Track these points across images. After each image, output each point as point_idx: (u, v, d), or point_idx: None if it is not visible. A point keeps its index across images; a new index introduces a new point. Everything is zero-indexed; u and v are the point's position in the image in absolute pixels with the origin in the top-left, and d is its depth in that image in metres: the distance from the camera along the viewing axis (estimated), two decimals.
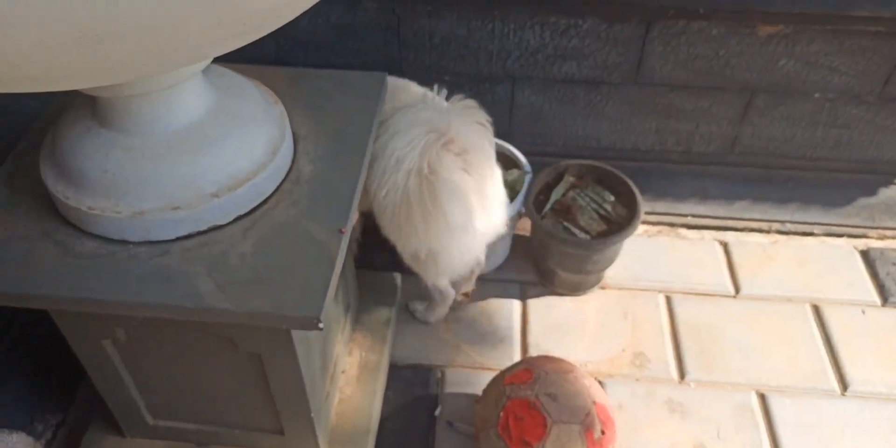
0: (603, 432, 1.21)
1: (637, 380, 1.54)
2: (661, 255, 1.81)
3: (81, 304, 0.92)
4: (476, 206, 1.30)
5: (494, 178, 1.39)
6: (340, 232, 1.00)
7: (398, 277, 1.68)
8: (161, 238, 0.97)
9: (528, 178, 1.66)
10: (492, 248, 1.69)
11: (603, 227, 1.60)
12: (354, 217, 1.07)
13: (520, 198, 1.62)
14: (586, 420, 1.20)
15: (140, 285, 0.92)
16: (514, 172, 1.68)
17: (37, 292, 0.91)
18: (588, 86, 1.75)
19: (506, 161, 1.74)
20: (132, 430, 1.30)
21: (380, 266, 1.68)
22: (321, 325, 0.90)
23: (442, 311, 1.63)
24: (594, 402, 1.23)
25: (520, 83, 1.76)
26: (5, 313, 1.32)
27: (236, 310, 0.90)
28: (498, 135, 1.66)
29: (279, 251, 0.97)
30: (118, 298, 0.91)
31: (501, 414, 1.22)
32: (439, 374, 1.56)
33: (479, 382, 1.53)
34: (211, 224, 0.98)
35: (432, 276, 1.47)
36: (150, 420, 1.27)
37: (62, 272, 0.93)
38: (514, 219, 1.67)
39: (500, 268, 1.78)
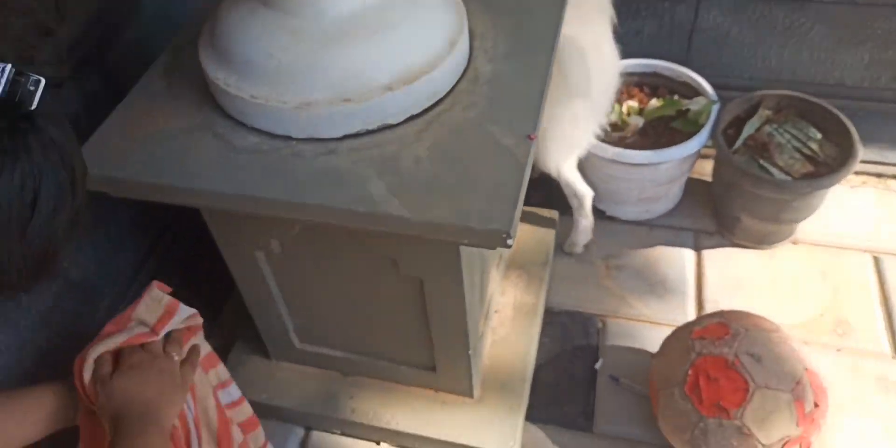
0: (816, 405, 1.01)
1: (839, 350, 1.31)
2: (866, 209, 1.54)
3: (240, 203, 0.82)
4: (593, 68, 1.14)
5: (609, 34, 1.21)
6: (529, 138, 0.84)
7: (556, 215, 1.52)
8: (328, 135, 0.85)
9: (715, 108, 1.43)
10: (662, 189, 1.49)
11: (808, 168, 1.36)
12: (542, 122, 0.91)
13: (704, 132, 1.40)
14: (797, 389, 1.00)
15: (305, 185, 0.81)
16: (700, 101, 1.46)
17: (196, 187, 0.82)
18: (791, 4, 1.48)
19: (686, 89, 1.52)
20: (278, 352, 1.23)
21: (535, 203, 1.53)
22: (510, 242, 0.76)
23: (586, 226, 1.46)
24: (805, 369, 1.03)
25: (706, 1, 1.52)
26: (153, 230, 1.27)
27: (413, 218, 0.77)
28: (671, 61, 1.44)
29: (459, 156, 0.83)
30: (280, 197, 0.80)
31: (690, 372, 1.04)
32: (600, 324, 1.40)
33: (645, 336, 1.36)
34: (382, 122, 0.86)
35: (554, 158, 1.30)
36: (297, 343, 1.19)
37: (222, 167, 0.84)
38: (692, 159, 1.46)
39: (670, 213, 1.57)
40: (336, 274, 1.03)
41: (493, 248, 0.79)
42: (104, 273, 1.17)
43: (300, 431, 1.23)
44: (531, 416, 1.20)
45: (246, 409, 1.04)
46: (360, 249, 0.96)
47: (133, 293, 1.22)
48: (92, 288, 1.14)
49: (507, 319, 1.33)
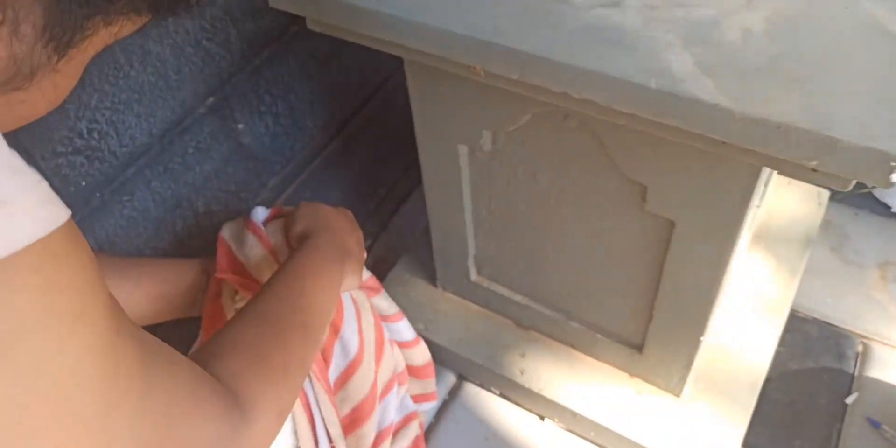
0: None
1: None
2: None
3: (475, 52, 0.58)
4: None
5: None
6: None
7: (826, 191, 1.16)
8: None
9: None
10: None
11: None
12: None
13: None
14: None
15: (572, 42, 0.55)
16: None
17: (425, 22, 0.59)
18: None
19: None
20: (447, 281, 1.01)
21: None
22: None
23: None
24: None
25: None
26: (341, 114, 1.08)
27: (737, 111, 0.48)
28: None
29: (815, 37, 0.53)
30: (537, 51, 0.55)
31: None
32: (860, 347, 1.04)
33: None
34: None
35: None
36: (473, 274, 0.96)
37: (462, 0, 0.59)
38: None
39: None
40: (551, 194, 0.77)
41: (847, 187, 0.49)
42: (278, 149, 1.00)
43: (451, 378, 1.01)
44: (747, 440, 0.90)
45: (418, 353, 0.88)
46: (599, 164, 0.69)
47: (303, 179, 1.05)
48: (263, 161, 0.97)
49: (740, 309, 1.01)
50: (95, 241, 0.77)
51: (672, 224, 0.70)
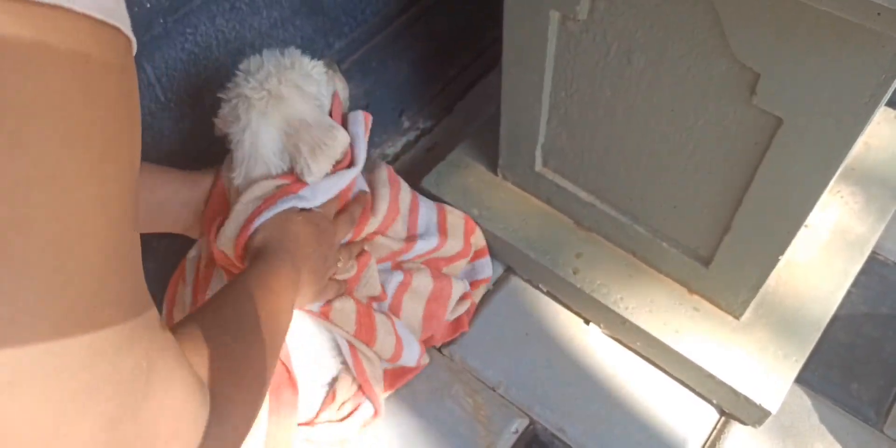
0: None
1: None
2: None
3: None
4: None
5: None
6: None
7: None
8: None
9: None
10: None
11: None
12: None
13: None
14: None
15: None
16: None
17: None
18: None
19: None
20: (509, 169, 0.94)
21: None
22: None
23: None
24: None
25: None
26: None
27: None
28: None
29: None
30: None
31: None
32: None
33: None
34: None
35: None
36: (538, 164, 0.89)
37: None
38: None
39: None
40: (644, 78, 0.68)
41: None
42: (350, 9, 0.92)
43: (499, 269, 0.96)
44: (801, 376, 0.84)
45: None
46: (708, 44, 0.60)
47: (371, 46, 0.98)
48: (333, 19, 0.90)
49: (817, 241, 0.93)
50: (155, 72, 0.73)
51: (779, 122, 0.62)
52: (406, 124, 1.12)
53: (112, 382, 0.27)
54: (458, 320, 0.90)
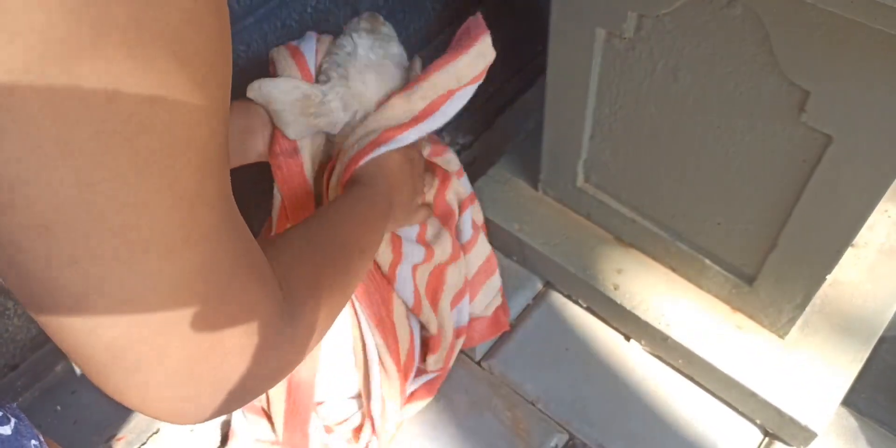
0: None
1: None
2: None
3: None
4: None
5: None
6: None
7: None
8: None
9: None
10: None
11: None
12: None
13: None
14: None
15: None
16: None
17: None
18: None
19: None
20: (550, 184, 0.95)
21: None
22: None
23: None
24: None
25: None
26: None
27: None
28: None
29: None
30: None
31: None
32: None
33: None
34: None
35: None
36: (579, 180, 0.90)
37: None
38: None
39: None
40: (691, 96, 0.69)
41: None
42: (394, 25, 0.94)
43: (538, 284, 0.97)
44: (847, 398, 0.83)
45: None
46: (757, 62, 0.61)
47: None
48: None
49: (866, 259, 0.91)
50: None
51: (828, 140, 0.61)
52: (446, 139, 1.13)
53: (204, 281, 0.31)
54: (496, 318, 0.91)
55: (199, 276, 0.30)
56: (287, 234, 0.49)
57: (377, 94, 0.73)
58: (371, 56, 0.73)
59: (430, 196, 0.83)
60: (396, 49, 0.75)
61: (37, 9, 0.22)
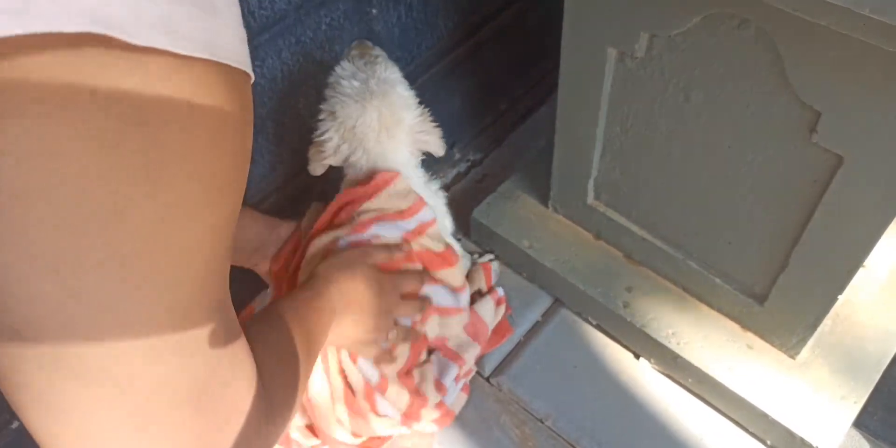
0: None
1: None
2: None
3: None
4: None
5: None
6: None
7: None
8: None
9: None
10: None
11: None
12: None
13: None
14: None
15: None
16: None
17: None
18: None
19: None
20: (560, 201, 0.95)
21: None
22: None
23: None
24: None
25: None
26: (475, 16, 1.02)
27: None
28: None
29: None
30: None
31: None
32: None
33: None
34: None
35: None
36: (589, 197, 0.90)
37: None
38: None
39: None
40: (702, 116, 0.69)
41: None
42: (406, 43, 0.95)
43: (546, 301, 0.97)
44: (859, 419, 0.82)
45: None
46: (769, 83, 0.61)
47: (424, 80, 1.00)
48: (389, 54, 0.93)
49: (876, 281, 0.91)
50: None
51: (840, 161, 0.61)
52: (457, 156, 1.14)
53: (201, 360, 0.32)
54: (500, 327, 0.92)
55: (183, 379, 0.31)
56: (255, 327, 0.49)
57: (369, 121, 0.73)
58: (355, 83, 0.73)
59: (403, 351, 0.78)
60: (384, 71, 0.75)
61: None
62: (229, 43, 0.27)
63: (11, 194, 0.23)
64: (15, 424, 0.89)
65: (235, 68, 0.28)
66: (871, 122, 0.57)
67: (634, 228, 0.88)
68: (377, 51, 0.79)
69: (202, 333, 0.31)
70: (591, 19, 0.71)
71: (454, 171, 1.14)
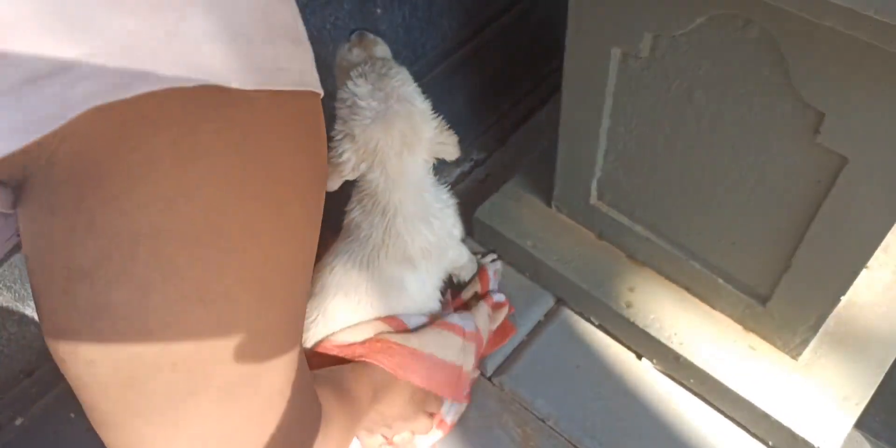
0: None
1: None
2: None
3: None
4: None
5: None
6: None
7: None
8: None
9: None
10: None
11: None
12: None
13: None
14: None
15: None
16: None
17: None
18: None
19: None
20: (563, 201, 0.95)
21: None
22: None
23: None
24: None
25: None
26: (480, 16, 1.02)
27: None
28: None
29: None
30: None
31: None
32: None
33: None
34: None
35: None
36: (592, 197, 0.90)
37: None
38: None
39: None
40: (705, 116, 0.69)
41: None
42: (410, 43, 0.96)
43: (549, 301, 0.97)
44: (861, 421, 0.82)
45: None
46: (772, 83, 0.61)
47: (427, 80, 1.01)
48: (393, 53, 0.94)
49: (879, 282, 0.91)
50: None
51: (843, 161, 0.61)
52: (460, 155, 1.14)
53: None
54: (502, 327, 0.92)
55: (259, 420, 0.35)
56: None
57: (391, 142, 0.71)
58: (373, 103, 0.70)
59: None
60: (400, 85, 0.72)
61: None
62: (310, 68, 0.30)
63: (170, 238, 0.27)
64: (19, 421, 0.90)
65: (316, 92, 0.31)
66: (875, 123, 0.57)
67: (637, 228, 0.88)
68: (379, 47, 0.76)
69: (279, 388, 0.36)
70: (595, 19, 0.71)
71: (458, 171, 1.14)
